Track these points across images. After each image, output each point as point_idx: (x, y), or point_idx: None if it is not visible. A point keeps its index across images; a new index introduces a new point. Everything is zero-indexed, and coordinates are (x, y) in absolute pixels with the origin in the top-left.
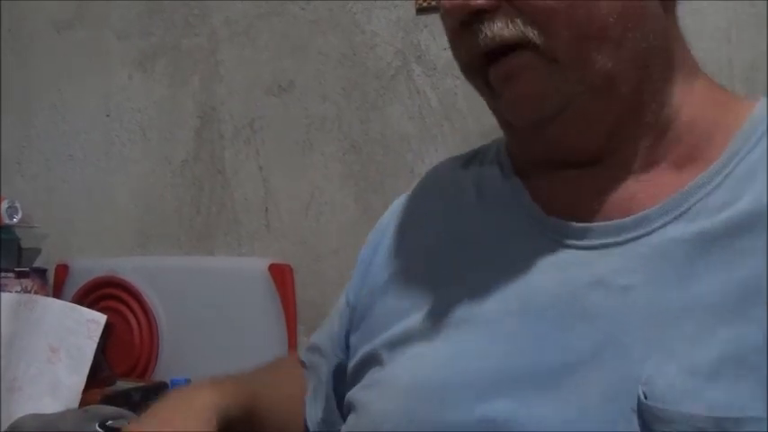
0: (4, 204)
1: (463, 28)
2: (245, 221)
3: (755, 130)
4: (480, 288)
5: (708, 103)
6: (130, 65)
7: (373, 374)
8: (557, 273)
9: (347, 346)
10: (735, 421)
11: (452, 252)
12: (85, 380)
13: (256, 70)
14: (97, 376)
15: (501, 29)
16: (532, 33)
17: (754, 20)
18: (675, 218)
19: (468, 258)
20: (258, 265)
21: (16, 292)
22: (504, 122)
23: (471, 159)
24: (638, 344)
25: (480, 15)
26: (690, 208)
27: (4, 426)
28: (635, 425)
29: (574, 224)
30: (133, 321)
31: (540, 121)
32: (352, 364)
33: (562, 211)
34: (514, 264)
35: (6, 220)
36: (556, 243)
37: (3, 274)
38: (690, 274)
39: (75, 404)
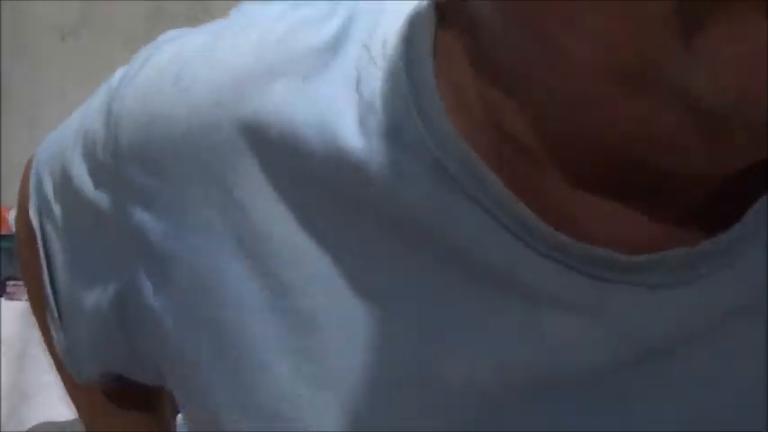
0: (12, 213)
1: None
2: None
3: None
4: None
5: None
6: None
7: None
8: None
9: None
10: None
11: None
12: None
13: None
14: None
15: None
16: None
17: None
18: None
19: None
20: None
21: (26, 300)
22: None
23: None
24: None
25: None
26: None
27: None
28: None
29: (619, 255)
30: None
31: None
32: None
33: (594, 240)
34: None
35: (14, 229)
36: (589, 278)
37: (12, 283)
38: None
39: None
